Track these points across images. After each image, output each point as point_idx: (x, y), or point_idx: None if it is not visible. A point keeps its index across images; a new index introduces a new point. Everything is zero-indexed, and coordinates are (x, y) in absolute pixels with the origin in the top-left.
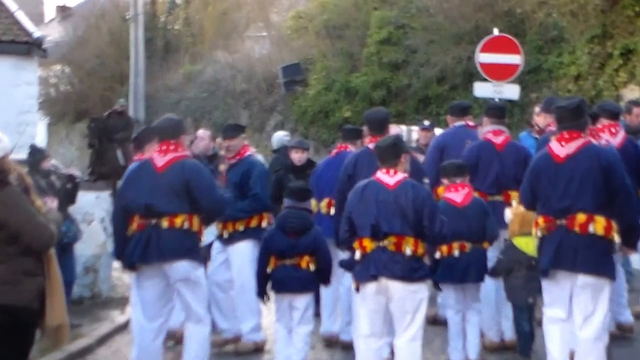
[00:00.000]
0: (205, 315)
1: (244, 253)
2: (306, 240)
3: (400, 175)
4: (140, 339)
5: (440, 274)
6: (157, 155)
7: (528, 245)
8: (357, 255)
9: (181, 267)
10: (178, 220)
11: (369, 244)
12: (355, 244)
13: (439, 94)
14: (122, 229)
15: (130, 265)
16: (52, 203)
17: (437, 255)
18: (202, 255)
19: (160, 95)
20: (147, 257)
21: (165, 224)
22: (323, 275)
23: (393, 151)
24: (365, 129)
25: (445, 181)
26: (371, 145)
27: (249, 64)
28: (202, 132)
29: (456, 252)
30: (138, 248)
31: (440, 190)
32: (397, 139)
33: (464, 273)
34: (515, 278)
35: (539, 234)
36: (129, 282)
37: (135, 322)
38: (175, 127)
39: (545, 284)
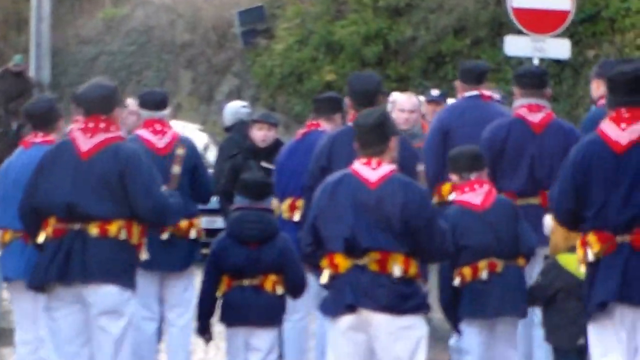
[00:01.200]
0: None
1: None
2: (271, 253)
3: (386, 168)
4: None
5: (466, 307)
6: (81, 136)
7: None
8: (325, 276)
9: (109, 294)
10: (113, 228)
11: (342, 262)
12: (324, 262)
13: (456, 51)
14: (36, 235)
15: (39, 285)
16: None
17: (457, 281)
18: (136, 282)
19: (71, 49)
20: (66, 276)
21: (94, 231)
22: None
23: (378, 132)
24: (347, 101)
25: (454, 178)
26: None
27: (193, 6)
28: (131, 102)
29: (484, 274)
30: (55, 263)
31: (446, 189)
32: (383, 115)
33: (501, 303)
34: (560, 310)
35: (591, 257)
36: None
37: None
38: (109, 97)
39: (596, 327)
